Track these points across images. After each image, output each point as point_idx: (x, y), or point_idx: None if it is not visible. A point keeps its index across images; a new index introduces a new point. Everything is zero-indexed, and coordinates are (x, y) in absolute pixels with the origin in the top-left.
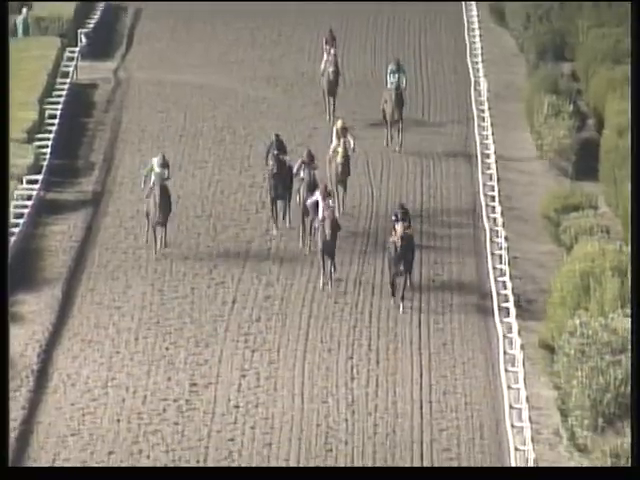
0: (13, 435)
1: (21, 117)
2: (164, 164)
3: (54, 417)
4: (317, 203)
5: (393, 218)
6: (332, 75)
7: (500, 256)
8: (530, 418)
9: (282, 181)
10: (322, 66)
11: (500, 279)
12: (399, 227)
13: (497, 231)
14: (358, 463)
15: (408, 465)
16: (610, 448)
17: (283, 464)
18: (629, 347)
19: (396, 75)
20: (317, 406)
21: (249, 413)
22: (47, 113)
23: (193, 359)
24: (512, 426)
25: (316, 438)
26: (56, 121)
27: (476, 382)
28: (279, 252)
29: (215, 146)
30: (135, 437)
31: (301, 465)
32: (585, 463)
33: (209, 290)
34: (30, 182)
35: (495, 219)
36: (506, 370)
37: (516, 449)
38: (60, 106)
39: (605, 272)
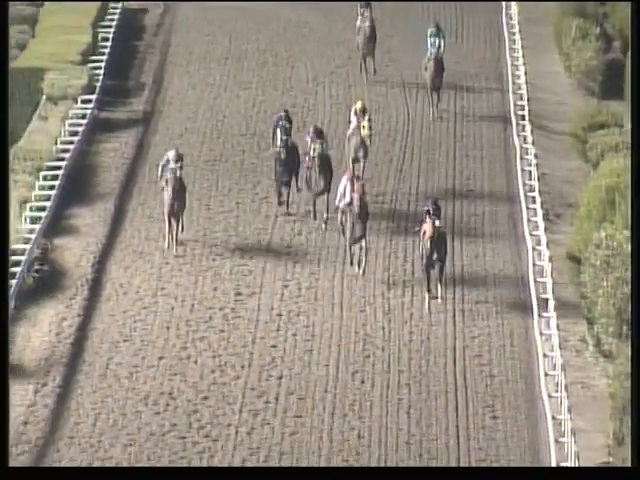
0: (69, 341)
1: (76, 40)
2: (178, 159)
3: (107, 324)
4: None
5: (425, 209)
6: (369, 30)
7: (530, 172)
8: (558, 326)
9: (289, 167)
10: (357, 24)
11: (530, 194)
12: (429, 226)
13: (527, 149)
14: (394, 369)
15: (442, 373)
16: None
17: (323, 370)
18: None
19: (435, 39)
20: (355, 315)
21: (291, 321)
22: (100, 36)
23: (238, 270)
24: (541, 334)
25: (354, 345)
26: (109, 44)
27: (506, 292)
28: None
29: (259, 68)
30: (183, 343)
31: (340, 374)
32: (610, 368)
33: (253, 205)
34: (84, 102)
35: (525, 137)
36: (535, 280)
37: (544, 355)
38: (112, 30)
39: (630, 187)
